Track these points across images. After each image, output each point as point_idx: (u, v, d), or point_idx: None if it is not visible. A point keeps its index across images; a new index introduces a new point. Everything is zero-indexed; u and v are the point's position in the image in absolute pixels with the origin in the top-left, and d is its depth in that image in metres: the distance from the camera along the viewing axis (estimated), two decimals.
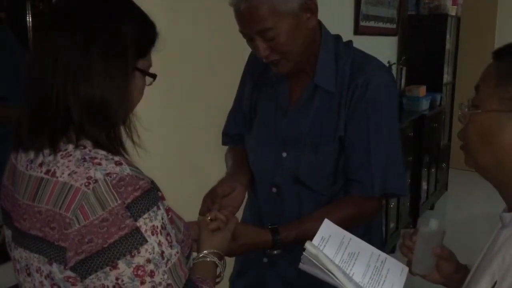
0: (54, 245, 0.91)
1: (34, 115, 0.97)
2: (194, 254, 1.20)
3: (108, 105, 0.95)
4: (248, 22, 1.35)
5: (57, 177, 0.93)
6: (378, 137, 1.43)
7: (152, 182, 0.96)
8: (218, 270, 1.21)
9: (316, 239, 1.12)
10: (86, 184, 0.89)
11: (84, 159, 0.92)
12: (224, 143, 1.75)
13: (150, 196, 0.92)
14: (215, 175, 1.59)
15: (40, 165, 0.96)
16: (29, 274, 0.98)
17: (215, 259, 1.20)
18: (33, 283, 0.97)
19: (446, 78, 5.15)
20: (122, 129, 1.01)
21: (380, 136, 1.44)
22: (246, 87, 1.65)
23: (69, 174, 0.91)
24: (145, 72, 1.02)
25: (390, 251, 3.69)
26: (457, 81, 5.51)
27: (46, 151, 0.97)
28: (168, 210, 0.98)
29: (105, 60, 0.94)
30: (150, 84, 1.05)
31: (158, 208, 0.94)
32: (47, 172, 0.95)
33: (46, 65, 0.95)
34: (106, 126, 0.96)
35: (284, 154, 1.52)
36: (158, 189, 0.97)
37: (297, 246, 1.48)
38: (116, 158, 0.94)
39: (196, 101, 2.38)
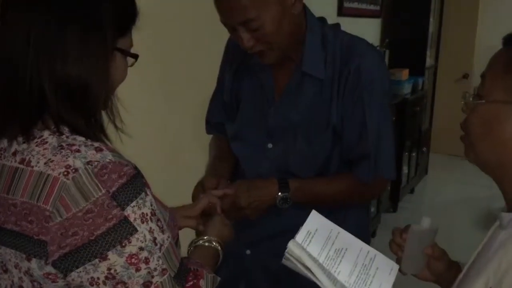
0: (33, 239, 0.86)
1: (4, 99, 0.90)
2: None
3: (87, 86, 0.89)
4: (230, 13, 1.27)
5: (32, 167, 0.87)
6: (374, 123, 1.39)
7: (136, 167, 0.91)
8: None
9: (302, 234, 1.07)
10: (65, 173, 0.84)
11: (61, 147, 0.87)
12: (208, 132, 1.69)
13: (136, 182, 0.88)
14: (197, 162, 1.53)
15: (14, 153, 0.91)
16: (5, 271, 0.93)
17: (218, 247, 1.19)
18: (11, 279, 0.92)
19: (429, 61, 5.12)
20: (103, 113, 0.95)
21: (377, 121, 1.39)
22: (225, 76, 1.57)
23: (45, 163, 0.86)
24: (126, 52, 0.97)
25: (371, 235, 3.68)
26: (439, 64, 5.49)
27: (20, 139, 0.91)
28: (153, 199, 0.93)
29: (82, 39, 0.88)
30: (132, 65, 0.99)
31: (146, 194, 0.89)
32: (22, 161, 0.89)
33: (16, 45, 0.88)
34: (85, 111, 0.91)
35: (270, 145, 1.47)
36: (142, 176, 0.92)
37: (279, 237, 1.45)
38: (96, 144, 0.88)
39: (177, 84, 2.30)
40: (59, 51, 0.87)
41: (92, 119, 0.92)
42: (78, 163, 0.85)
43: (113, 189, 0.85)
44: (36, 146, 0.89)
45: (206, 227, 1.25)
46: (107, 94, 0.94)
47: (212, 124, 1.66)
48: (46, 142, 0.89)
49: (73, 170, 0.84)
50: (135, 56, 0.99)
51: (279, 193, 1.39)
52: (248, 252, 1.55)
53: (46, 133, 0.90)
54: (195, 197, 1.43)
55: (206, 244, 1.19)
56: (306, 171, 1.44)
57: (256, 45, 1.32)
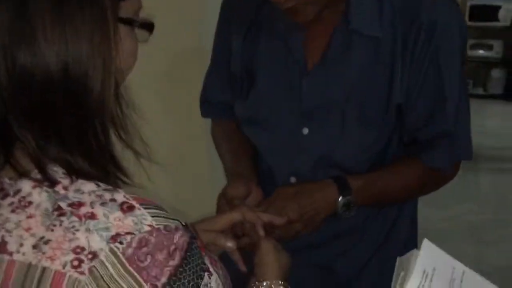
0: None
1: None
2: None
3: (79, 81, 0.55)
4: None
5: (10, 254, 0.54)
6: (454, 92, 1.10)
7: (186, 227, 0.58)
8: None
9: (416, 276, 0.74)
10: (75, 262, 0.52)
11: (60, 210, 0.54)
12: (205, 114, 1.34)
13: (194, 256, 0.56)
14: None
15: None
16: None
17: None
18: None
19: None
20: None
21: (458, 90, 1.10)
22: (232, 40, 1.23)
23: (35, 246, 0.53)
24: (134, 21, 0.62)
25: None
26: None
27: None
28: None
29: (63, 7, 0.55)
30: (146, 40, 0.65)
31: (210, 274, 0.58)
32: None
33: None
34: (82, 130, 0.56)
35: (306, 131, 1.14)
36: (194, 235, 0.59)
37: (326, 245, 1.17)
38: (119, 197, 0.55)
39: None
40: (23, 30, 0.54)
41: (94, 144, 0.57)
42: (97, 241, 0.53)
43: (163, 280, 0.53)
44: (12, 212, 0.54)
45: (259, 262, 0.86)
46: (110, 93, 0.58)
47: (212, 104, 1.30)
48: (31, 203, 0.54)
49: (90, 255, 0.52)
50: (149, 26, 0.64)
51: (340, 197, 1.05)
52: None
53: (27, 185, 0.55)
54: (220, 210, 1.08)
55: None
56: (359, 163, 1.12)
57: None
